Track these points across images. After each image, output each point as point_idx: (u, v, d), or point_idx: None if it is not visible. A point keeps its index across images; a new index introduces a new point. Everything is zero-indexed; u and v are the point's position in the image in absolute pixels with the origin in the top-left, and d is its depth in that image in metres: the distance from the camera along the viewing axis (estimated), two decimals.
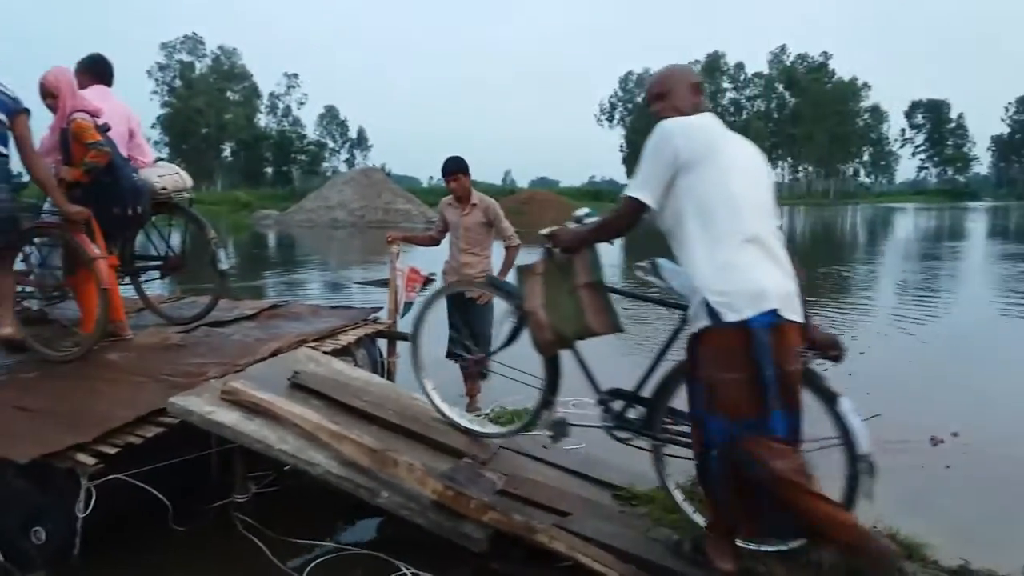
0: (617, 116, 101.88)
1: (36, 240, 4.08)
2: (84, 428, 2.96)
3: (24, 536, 2.93)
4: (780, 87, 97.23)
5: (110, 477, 2.88)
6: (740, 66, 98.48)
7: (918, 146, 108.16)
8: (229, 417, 3.12)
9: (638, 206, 2.53)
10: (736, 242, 2.37)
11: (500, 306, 4.84)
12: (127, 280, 4.73)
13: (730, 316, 2.31)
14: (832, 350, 2.64)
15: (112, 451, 2.91)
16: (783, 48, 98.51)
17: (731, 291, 2.32)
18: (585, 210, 3.08)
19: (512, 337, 3.39)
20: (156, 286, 5.45)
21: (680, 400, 2.78)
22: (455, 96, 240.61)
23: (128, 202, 4.07)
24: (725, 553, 2.62)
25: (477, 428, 3.70)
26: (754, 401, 2.34)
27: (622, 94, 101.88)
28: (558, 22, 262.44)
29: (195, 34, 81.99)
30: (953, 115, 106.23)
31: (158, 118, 77.42)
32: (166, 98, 78.40)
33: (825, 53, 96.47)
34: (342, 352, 4.47)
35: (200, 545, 3.20)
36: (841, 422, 2.54)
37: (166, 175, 4.46)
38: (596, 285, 2.93)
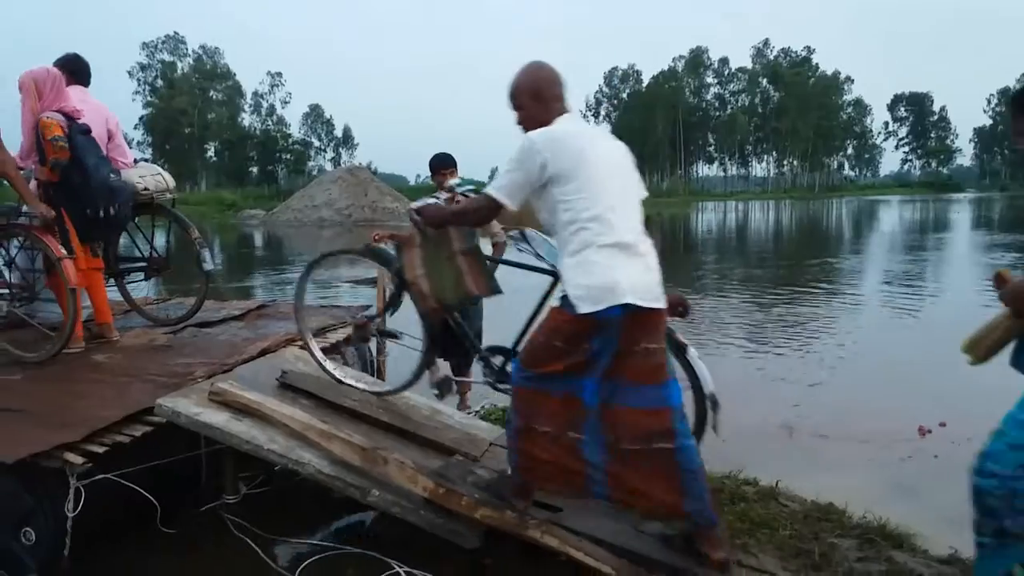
0: (603, 112, 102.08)
1: (5, 242, 4.03)
2: (72, 428, 2.93)
3: (14, 537, 2.91)
4: (764, 82, 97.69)
5: (99, 477, 2.86)
6: (724, 61, 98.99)
7: (901, 139, 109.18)
8: (217, 418, 3.10)
9: (497, 207, 2.69)
10: (600, 246, 2.55)
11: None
12: (112, 282, 4.69)
13: (583, 308, 2.52)
14: (679, 306, 2.98)
15: (100, 450, 2.88)
16: (766, 42, 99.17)
17: (588, 286, 2.53)
18: (457, 180, 3.20)
19: (392, 303, 3.63)
20: (142, 288, 5.41)
21: None
22: (440, 94, 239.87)
23: (101, 203, 4.01)
24: (522, 493, 2.87)
25: (355, 383, 3.77)
26: (558, 365, 2.61)
27: (607, 90, 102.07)
28: (541, 18, 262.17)
29: (177, 33, 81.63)
30: (936, 108, 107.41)
31: (141, 119, 76.91)
32: (148, 98, 77.77)
33: (808, 47, 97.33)
34: (331, 351, 4.45)
35: (192, 546, 3.18)
36: (691, 368, 3.02)
37: (147, 176, 4.43)
38: (472, 251, 3.14)
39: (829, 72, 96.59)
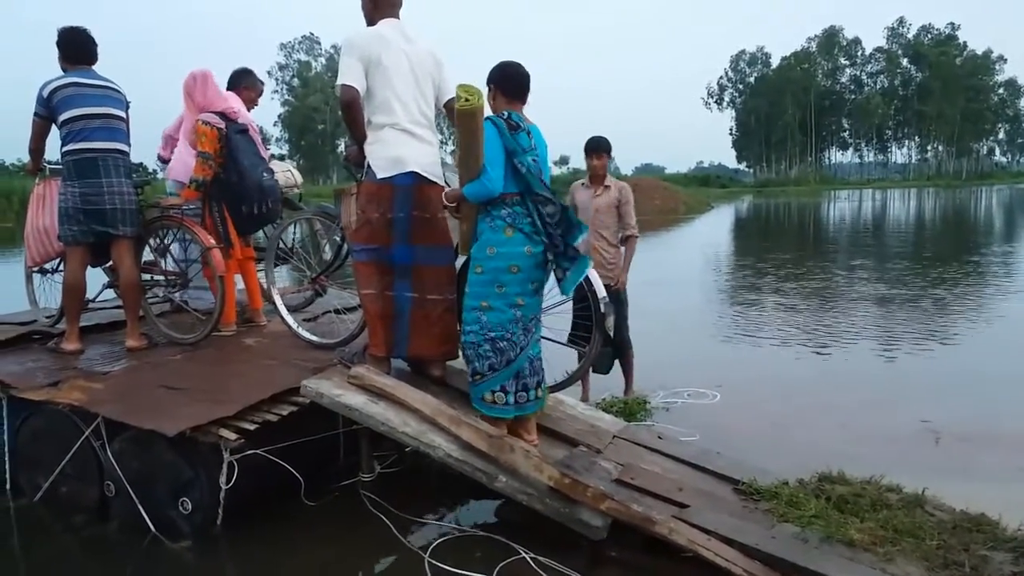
0: (727, 98, 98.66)
1: (160, 233, 4.37)
2: (225, 405, 3.17)
3: (173, 506, 3.19)
4: (905, 62, 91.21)
5: (249, 452, 3.08)
6: (856, 41, 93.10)
7: None
8: (356, 400, 3.26)
9: (352, 92, 3.30)
10: (387, 127, 3.35)
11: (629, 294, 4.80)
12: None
13: (380, 175, 3.32)
14: None
15: (251, 427, 3.11)
16: (901, 21, 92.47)
17: (382, 157, 3.33)
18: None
19: (336, 256, 4.12)
20: (283, 276, 5.73)
21: None
22: (558, 81, 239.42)
23: (255, 200, 4.28)
24: (380, 366, 3.49)
25: (313, 338, 4.09)
26: (379, 235, 3.37)
27: (732, 75, 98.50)
28: (661, 8, 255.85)
29: (312, 34, 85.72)
30: None
31: (279, 116, 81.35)
32: (286, 97, 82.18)
33: (952, 24, 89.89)
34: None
35: (330, 520, 3.36)
36: (587, 279, 3.40)
37: (278, 172, 4.69)
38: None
39: (979, 51, 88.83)
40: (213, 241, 4.10)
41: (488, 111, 3.15)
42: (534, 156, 3.13)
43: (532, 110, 3.29)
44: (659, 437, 3.81)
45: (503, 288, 3.09)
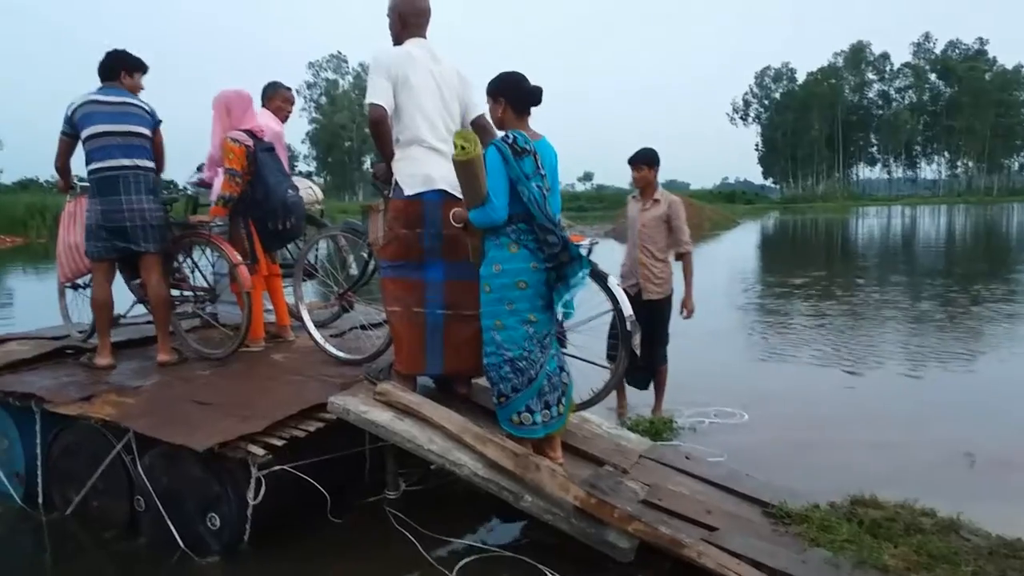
0: (752, 114, 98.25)
1: (188, 249, 4.43)
2: (253, 421, 3.18)
3: (201, 522, 3.21)
4: (933, 77, 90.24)
5: (276, 468, 3.09)
6: (885, 56, 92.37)
7: None
8: (382, 417, 3.26)
9: (380, 110, 3.32)
10: (415, 145, 3.39)
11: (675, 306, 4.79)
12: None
13: (408, 191, 3.33)
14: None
15: (279, 443, 3.12)
16: (927, 36, 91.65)
17: (411, 174, 3.35)
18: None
19: (363, 272, 4.14)
20: (310, 292, 5.79)
21: None
22: (583, 97, 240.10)
23: (280, 217, 4.35)
24: (406, 383, 3.49)
25: (340, 354, 4.11)
26: (411, 251, 3.39)
27: (757, 90, 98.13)
28: (685, 24, 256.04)
29: (340, 53, 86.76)
30: None
31: (307, 133, 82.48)
32: (313, 114, 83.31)
33: (981, 39, 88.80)
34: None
35: (357, 537, 3.36)
36: (612, 294, 3.42)
37: (300, 189, 4.73)
38: None
39: (1008, 66, 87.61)
40: (240, 258, 4.16)
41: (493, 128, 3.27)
42: (539, 182, 3.07)
43: (552, 125, 3.29)
44: (686, 457, 3.77)
45: (512, 305, 3.07)
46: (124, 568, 3.27)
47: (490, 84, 3.24)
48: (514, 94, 3.19)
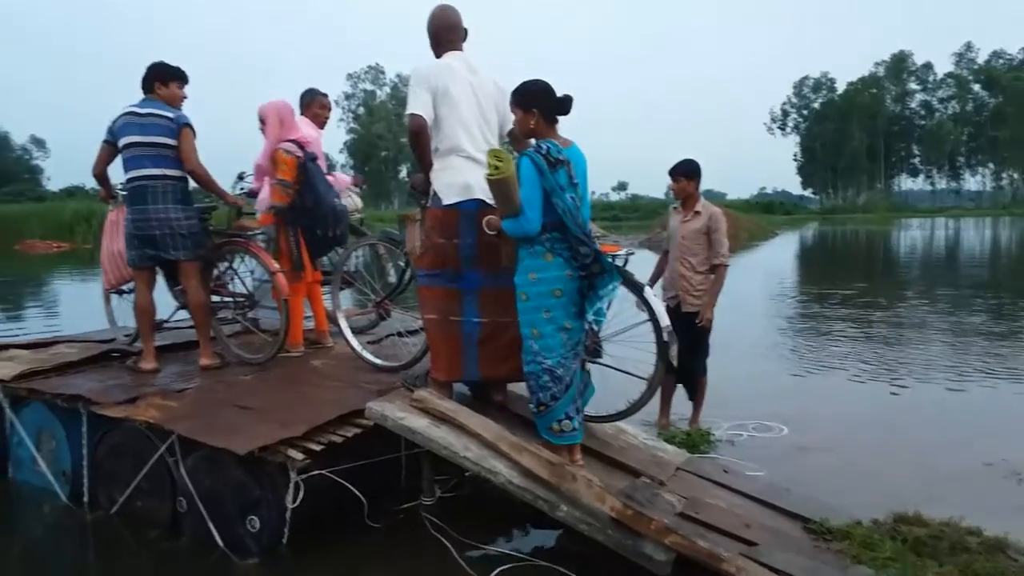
0: (790, 124, 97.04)
1: (228, 256, 4.51)
2: (293, 426, 3.23)
3: (241, 524, 3.26)
4: (976, 87, 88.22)
5: (315, 473, 3.13)
6: (928, 66, 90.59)
7: None
8: (419, 423, 3.28)
9: (420, 121, 3.39)
10: (454, 155, 3.44)
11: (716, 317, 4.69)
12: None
13: (447, 201, 3.38)
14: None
15: (317, 448, 3.16)
16: (969, 46, 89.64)
17: (449, 183, 3.40)
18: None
19: (400, 280, 4.18)
20: (346, 299, 5.86)
21: None
22: (619, 106, 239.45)
23: (329, 224, 4.42)
24: (442, 390, 3.51)
25: (377, 360, 4.18)
26: (448, 260, 3.42)
27: (796, 100, 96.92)
28: (723, 33, 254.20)
29: (378, 64, 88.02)
30: None
31: (344, 143, 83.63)
32: (351, 125, 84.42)
33: None
34: None
35: (393, 542, 3.39)
36: (648, 305, 3.39)
37: (343, 198, 4.79)
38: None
39: None
40: (277, 265, 4.22)
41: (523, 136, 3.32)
42: (572, 193, 3.08)
43: (586, 134, 3.30)
44: (724, 471, 3.72)
45: (550, 313, 3.10)
46: (166, 567, 3.33)
47: (517, 95, 3.23)
48: (546, 104, 3.19)
